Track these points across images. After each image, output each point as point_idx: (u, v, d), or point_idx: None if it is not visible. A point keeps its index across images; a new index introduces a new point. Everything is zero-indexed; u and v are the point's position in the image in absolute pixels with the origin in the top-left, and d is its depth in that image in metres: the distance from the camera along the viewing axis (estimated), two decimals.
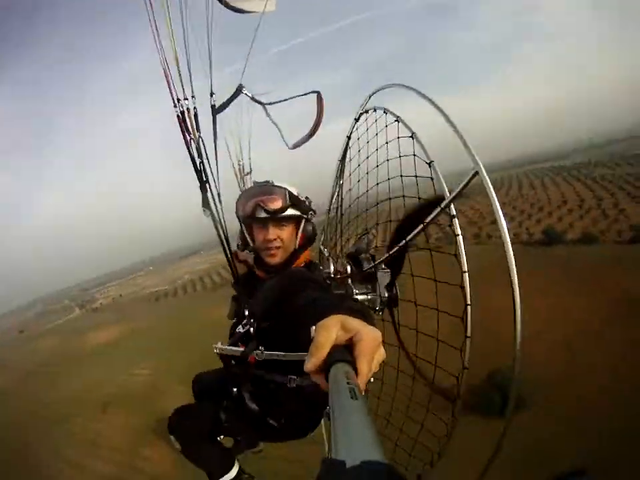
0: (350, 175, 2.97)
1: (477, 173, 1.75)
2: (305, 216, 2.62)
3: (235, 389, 2.56)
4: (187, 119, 2.52)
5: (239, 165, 3.68)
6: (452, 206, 1.94)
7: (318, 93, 3.09)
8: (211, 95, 2.79)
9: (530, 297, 27.59)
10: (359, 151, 2.83)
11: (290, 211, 2.54)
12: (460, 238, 1.94)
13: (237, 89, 2.97)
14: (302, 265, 2.66)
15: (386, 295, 2.51)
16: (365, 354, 0.90)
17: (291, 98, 3.18)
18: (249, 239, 2.67)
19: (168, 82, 2.42)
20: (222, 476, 2.99)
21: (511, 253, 1.64)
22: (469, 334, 1.95)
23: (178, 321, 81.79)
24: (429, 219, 2.03)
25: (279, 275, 2.47)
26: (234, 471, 3.06)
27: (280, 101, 3.16)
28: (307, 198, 2.70)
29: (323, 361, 0.92)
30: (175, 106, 2.47)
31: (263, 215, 2.50)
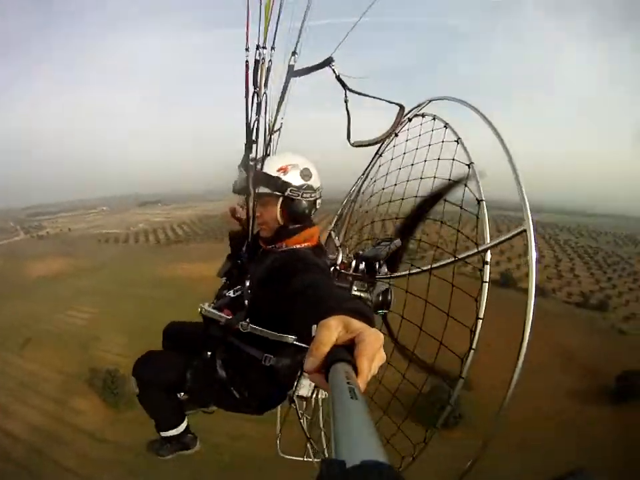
0: (387, 173, 2.94)
1: (524, 231, 1.77)
2: (277, 193, 2.52)
3: (208, 352, 2.60)
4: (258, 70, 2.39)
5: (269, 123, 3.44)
6: (488, 252, 1.96)
7: (402, 107, 3.00)
8: (293, 54, 2.60)
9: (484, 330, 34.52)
10: (404, 153, 2.82)
11: (260, 189, 2.53)
12: (486, 285, 1.96)
13: (325, 60, 2.76)
14: (307, 244, 2.61)
15: (380, 299, 2.55)
16: (365, 354, 0.89)
17: (377, 98, 3.05)
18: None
19: (248, 22, 2.27)
20: (169, 429, 3.06)
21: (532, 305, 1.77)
22: (474, 346, 2.00)
23: (126, 268, 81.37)
24: (462, 256, 2.05)
25: (285, 252, 2.48)
26: (181, 427, 3.11)
27: (364, 94, 2.98)
28: (302, 171, 2.56)
29: (323, 361, 0.91)
30: (248, 50, 2.33)
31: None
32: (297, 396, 2.78)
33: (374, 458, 0.51)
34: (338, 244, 3.14)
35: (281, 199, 2.53)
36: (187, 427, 3.21)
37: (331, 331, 0.96)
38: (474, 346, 1.98)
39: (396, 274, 2.50)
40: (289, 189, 2.50)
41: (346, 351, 0.91)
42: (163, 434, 3.11)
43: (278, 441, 3.74)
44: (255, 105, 2.43)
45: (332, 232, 3.36)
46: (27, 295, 70.36)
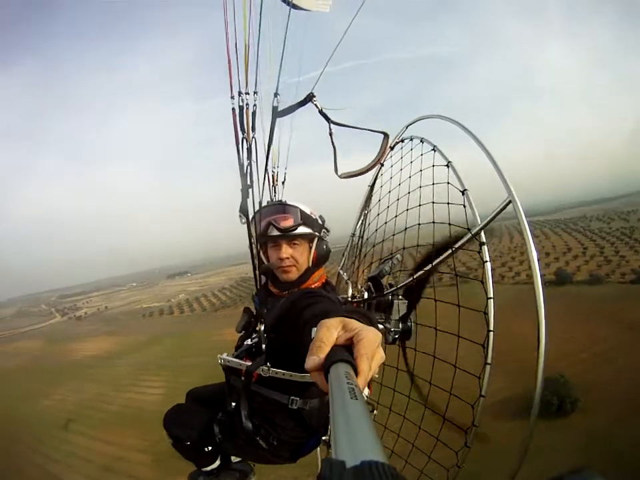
0: (379, 200, 2.97)
1: (509, 202, 1.76)
2: (317, 234, 2.62)
3: (232, 404, 2.53)
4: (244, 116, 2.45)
5: (273, 172, 3.58)
6: (482, 234, 1.96)
7: (386, 135, 3.00)
8: (275, 96, 2.63)
9: (555, 327, 37.93)
10: (391, 178, 2.85)
11: (301, 229, 2.54)
12: (488, 265, 1.94)
13: (306, 97, 2.80)
14: (317, 284, 2.65)
15: (400, 326, 2.49)
16: (365, 354, 0.89)
17: (360, 128, 3.06)
18: (263, 258, 2.66)
19: (230, 71, 2.32)
20: (208, 466, 3.18)
21: (539, 278, 1.69)
22: (489, 360, 1.91)
23: (179, 340, 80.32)
24: (458, 244, 2.05)
25: (293, 293, 2.45)
26: (218, 461, 3.18)
27: (347, 126, 3.00)
28: (320, 217, 2.72)
29: (323, 360, 0.91)
30: (233, 97, 2.38)
31: (275, 233, 2.51)
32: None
33: (374, 458, 0.51)
34: (346, 279, 3.20)
35: (316, 240, 2.63)
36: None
37: (331, 330, 0.98)
38: (491, 327, 1.91)
39: (401, 284, 2.48)
40: (322, 230, 2.65)
41: (346, 351, 0.92)
42: (204, 469, 3.21)
43: None
44: (245, 150, 2.46)
45: (340, 271, 3.42)
46: (80, 376, 69.42)
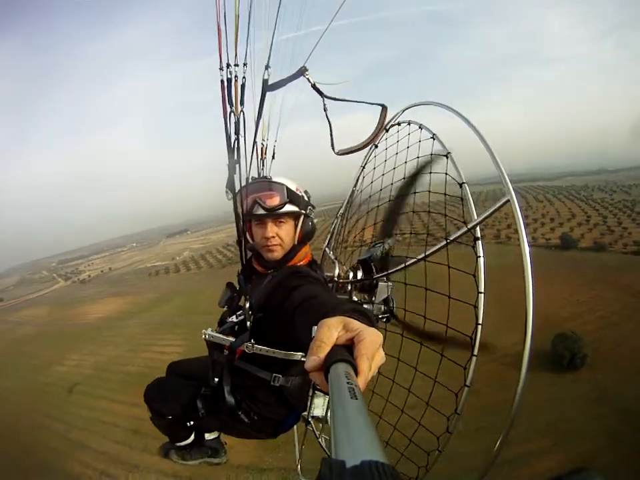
0: (372, 182, 2.94)
1: (508, 201, 1.76)
2: (303, 212, 2.59)
3: (216, 379, 2.55)
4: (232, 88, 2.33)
5: (262, 144, 3.49)
6: (477, 228, 1.95)
7: (384, 107, 2.88)
8: (266, 68, 2.53)
9: (561, 290, 47.23)
10: (385, 161, 2.80)
11: (287, 207, 2.50)
12: (481, 260, 1.96)
13: (298, 70, 2.71)
14: (304, 262, 2.64)
15: (382, 308, 2.55)
16: (365, 354, 0.89)
17: (356, 102, 3.03)
18: (248, 235, 2.63)
19: (220, 41, 2.21)
20: (182, 441, 3.28)
21: (530, 277, 1.73)
22: (475, 352, 1.94)
23: (192, 296, 77.80)
24: (453, 237, 2.03)
25: (280, 271, 2.45)
26: (192, 436, 3.28)
27: (342, 100, 2.91)
28: (305, 192, 2.68)
29: (323, 360, 0.91)
30: (222, 69, 2.27)
31: (260, 211, 2.48)
32: (312, 417, 2.80)
33: (374, 458, 0.51)
34: (333, 258, 3.18)
35: (302, 218, 2.60)
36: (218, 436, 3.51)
37: (331, 330, 0.98)
38: (480, 321, 1.93)
39: (392, 269, 2.48)
40: (309, 207, 2.61)
41: (346, 351, 0.92)
42: (177, 444, 3.31)
43: (299, 466, 3.75)
44: (233, 124, 2.34)
45: (326, 249, 3.41)
46: (93, 339, 67.93)
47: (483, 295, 1.94)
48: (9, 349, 72.15)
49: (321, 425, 3.08)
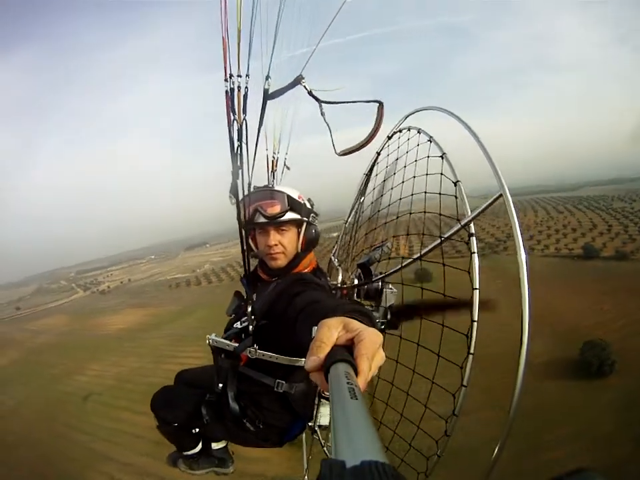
0: (374, 189, 3.04)
1: (500, 195, 1.76)
2: (305, 219, 2.58)
3: (220, 385, 2.54)
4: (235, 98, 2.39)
5: (274, 157, 3.51)
6: (472, 224, 1.95)
7: (380, 103, 2.83)
8: (267, 79, 2.57)
9: (585, 298, 50.02)
10: (387, 167, 2.88)
11: (289, 215, 2.51)
12: (475, 256, 1.92)
13: (295, 79, 2.75)
14: (308, 269, 2.66)
15: (388, 316, 2.54)
16: (365, 354, 0.89)
17: (351, 102, 2.93)
18: (252, 244, 2.65)
19: (225, 53, 2.27)
20: (189, 451, 3.27)
21: (525, 279, 1.66)
22: (472, 350, 1.91)
23: (214, 309, 75.57)
24: (447, 234, 2.05)
25: (284, 278, 2.49)
26: (200, 445, 3.27)
27: (338, 102, 2.89)
28: (309, 200, 2.71)
29: (323, 360, 0.91)
30: (226, 80, 2.34)
31: (262, 220, 2.49)
32: (319, 426, 2.85)
33: (374, 458, 0.51)
34: (337, 265, 3.20)
35: (304, 225, 2.59)
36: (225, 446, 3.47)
37: (331, 330, 0.98)
38: (475, 317, 1.90)
39: (390, 270, 2.53)
40: (311, 215, 2.61)
41: (346, 351, 0.92)
42: (185, 453, 3.31)
43: (306, 476, 3.72)
44: (236, 133, 2.37)
45: (332, 257, 3.41)
46: (115, 350, 67.63)
47: (477, 291, 1.90)
48: (26, 357, 72.09)
49: (328, 434, 3.07)
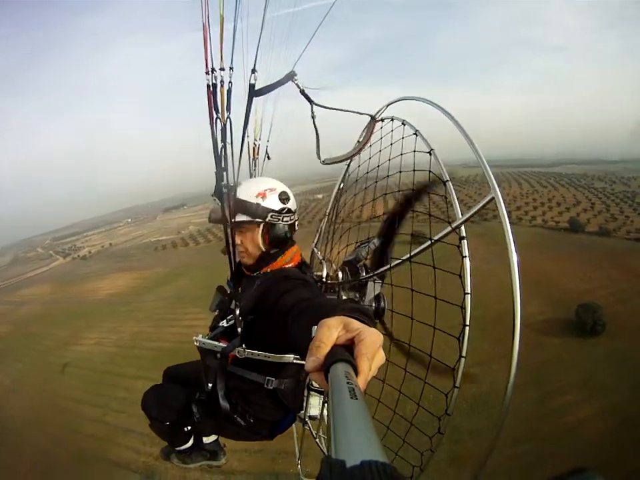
0: (356, 180, 3.00)
1: (492, 199, 1.76)
2: (257, 220, 2.53)
3: (209, 384, 2.54)
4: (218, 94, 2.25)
5: (255, 145, 3.59)
6: (462, 228, 1.93)
7: (372, 117, 2.88)
8: (253, 72, 2.44)
9: (574, 268, 54.80)
10: (370, 158, 2.82)
11: (238, 217, 2.48)
12: (467, 260, 1.92)
13: (287, 75, 2.68)
14: (292, 264, 2.65)
15: (373, 306, 2.54)
16: (365, 354, 0.89)
17: (345, 111, 2.94)
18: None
19: (205, 46, 2.10)
20: (181, 445, 3.29)
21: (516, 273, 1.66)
22: (464, 354, 1.91)
23: (206, 270, 74.16)
24: (437, 237, 2.02)
25: (270, 274, 2.50)
26: (191, 440, 3.31)
27: (331, 108, 2.86)
28: (280, 195, 2.58)
29: (323, 360, 0.90)
30: (207, 73, 2.17)
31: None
32: (309, 417, 2.90)
33: (374, 458, 0.51)
34: (321, 258, 3.19)
35: (262, 225, 2.55)
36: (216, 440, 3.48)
37: (331, 330, 0.97)
38: (467, 322, 1.92)
39: (378, 270, 2.51)
40: (269, 215, 2.52)
41: (346, 351, 0.92)
42: (177, 448, 3.33)
43: (299, 466, 3.82)
44: (219, 131, 2.24)
45: (314, 249, 3.41)
46: (110, 316, 65.20)
47: (469, 295, 1.91)
48: (14, 330, 68.81)
49: (319, 424, 3.11)
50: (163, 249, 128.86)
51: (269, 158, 3.68)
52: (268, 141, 3.65)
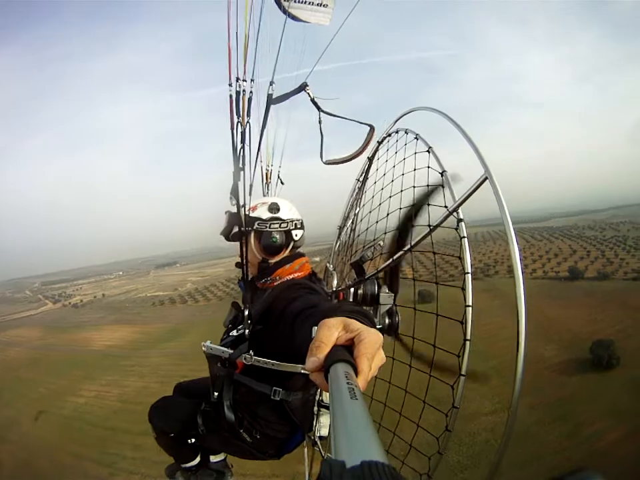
0: (365, 192, 3.10)
1: (486, 179, 1.74)
2: (248, 229, 2.58)
3: (215, 394, 2.53)
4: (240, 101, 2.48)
5: (267, 169, 3.68)
6: (460, 210, 1.94)
7: (372, 127, 3.10)
8: (271, 84, 2.75)
9: (579, 312, 59.14)
10: (377, 169, 2.92)
11: (234, 230, 2.63)
12: (465, 240, 1.93)
13: (300, 86, 2.96)
14: (300, 274, 2.66)
15: (387, 321, 2.46)
16: (365, 354, 0.89)
17: (348, 119, 3.21)
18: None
19: (230, 58, 2.37)
20: (187, 463, 3.22)
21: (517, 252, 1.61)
22: (468, 337, 1.90)
23: (206, 327, 72.88)
24: (436, 223, 2.03)
25: (280, 283, 2.54)
26: (198, 459, 3.24)
27: (336, 116, 3.14)
28: (270, 205, 2.67)
29: (323, 360, 0.91)
30: (231, 84, 2.43)
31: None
32: (319, 437, 2.80)
33: (374, 458, 0.51)
34: (332, 270, 3.24)
35: (252, 234, 2.65)
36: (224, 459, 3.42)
37: (331, 330, 0.98)
38: (469, 302, 1.89)
39: (382, 265, 2.46)
40: (256, 223, 2.62)
41: (346, 351, 0.92)
42: (183, 466, 3.28)
43: None
44: (239, 134, 2.46)
45: (327, 264, 3.46)
46: (112, 367, 63.86)
47: (470, 275, 1.90)
48: (2, 373, 65.29)
49: (329, 445, 2.91)
50: (160, 305, 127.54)
51: (282, 183, 3.78)
52: (280, 167, 3.77)
